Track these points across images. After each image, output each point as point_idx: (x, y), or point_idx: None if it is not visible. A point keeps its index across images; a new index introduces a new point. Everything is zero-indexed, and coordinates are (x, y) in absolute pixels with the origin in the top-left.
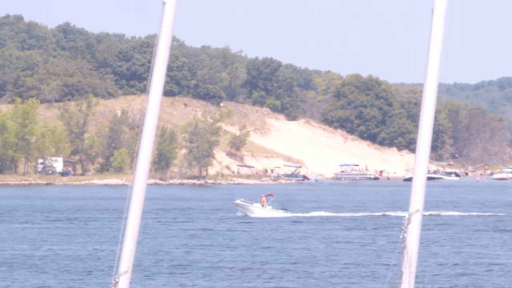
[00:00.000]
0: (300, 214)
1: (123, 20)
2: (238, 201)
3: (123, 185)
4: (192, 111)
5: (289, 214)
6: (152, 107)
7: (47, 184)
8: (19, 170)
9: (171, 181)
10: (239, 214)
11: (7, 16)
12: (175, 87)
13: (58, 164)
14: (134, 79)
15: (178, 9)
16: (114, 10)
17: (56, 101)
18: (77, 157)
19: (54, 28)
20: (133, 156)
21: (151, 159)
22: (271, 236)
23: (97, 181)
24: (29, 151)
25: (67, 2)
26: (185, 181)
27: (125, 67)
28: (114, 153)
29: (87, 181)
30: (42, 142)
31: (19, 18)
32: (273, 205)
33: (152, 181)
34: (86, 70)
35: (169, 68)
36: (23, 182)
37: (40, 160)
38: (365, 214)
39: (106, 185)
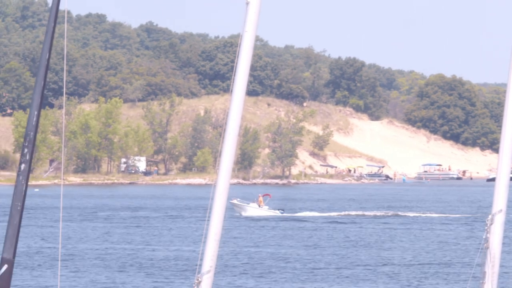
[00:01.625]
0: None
1: (207, 20)
2: (234, 201)
3: (206, 184)
4: (275, 111)
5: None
6: (235, 107)
7: (130, 183)
8: (102, 169)
9: (254, 181)
10: (237, 214)
11: (89, 15)
12: (258, 86)
13: (141, 164)
14: (217, 79)
15: (262, 8)
16: (198, 10)
17: (139, 100)
18: (160, 157)
19: (138, 28)
20: (216, 155)
21: (234, 158)
22: (359, 236)
23: (180, 180)
24: (112, 150)
25: (150, 1)
26: (268, 180)
27: (208, 66)
28: (197, 152)
29: (170, 181)
30: (125, 141)
31: (102, 17)
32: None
33: (235, 180)
34: (169, 70)
35: (253, 68)
36: (106, 181)
37: (123, 160)
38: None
39: (189, 184)
